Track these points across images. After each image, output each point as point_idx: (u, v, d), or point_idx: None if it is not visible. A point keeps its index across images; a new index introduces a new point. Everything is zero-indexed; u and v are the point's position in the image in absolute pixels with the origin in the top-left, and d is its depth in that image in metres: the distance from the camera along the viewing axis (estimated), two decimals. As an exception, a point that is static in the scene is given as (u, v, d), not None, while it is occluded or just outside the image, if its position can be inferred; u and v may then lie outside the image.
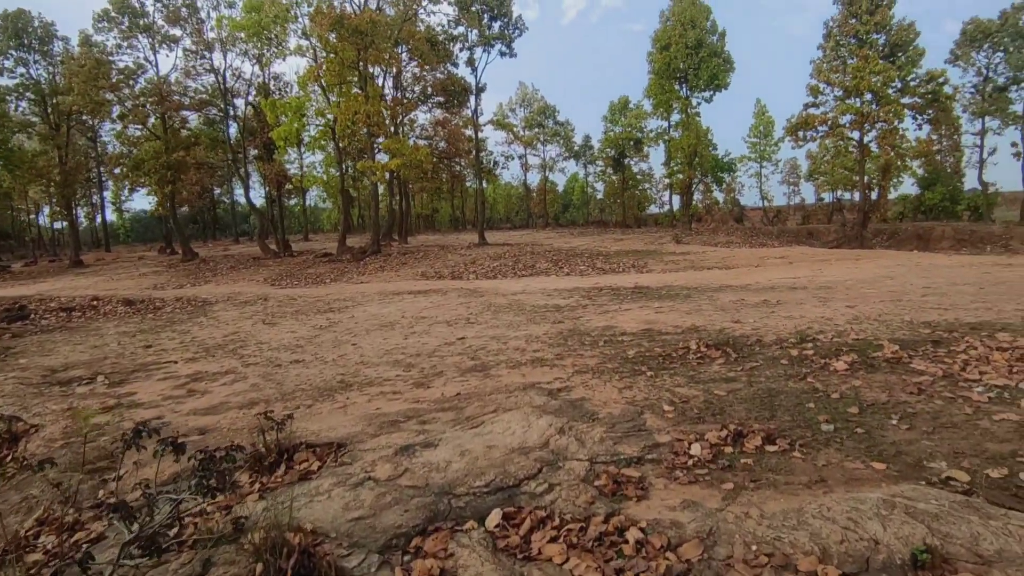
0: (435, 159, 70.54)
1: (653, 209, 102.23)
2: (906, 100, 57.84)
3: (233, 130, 64.61)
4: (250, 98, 63.17)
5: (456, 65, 64.10)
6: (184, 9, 56.63)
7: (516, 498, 5.52)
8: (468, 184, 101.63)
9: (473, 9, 57.68)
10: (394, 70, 57.90)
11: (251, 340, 16.57)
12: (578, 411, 7.84)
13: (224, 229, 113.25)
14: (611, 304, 18.95)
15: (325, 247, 60.71)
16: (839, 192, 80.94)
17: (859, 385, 8.09)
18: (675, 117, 71.51)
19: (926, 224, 60.49)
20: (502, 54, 60.65)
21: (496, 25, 59.32)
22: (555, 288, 25.24)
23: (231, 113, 62.98)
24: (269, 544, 4.46)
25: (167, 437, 5.21)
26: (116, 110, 59.14)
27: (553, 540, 4.75)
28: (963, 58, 67.14)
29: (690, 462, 6.00)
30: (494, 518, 5.14)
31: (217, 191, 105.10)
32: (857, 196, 67.32)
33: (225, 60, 60.01)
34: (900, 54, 57.13)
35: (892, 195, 70.62)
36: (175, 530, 5.17)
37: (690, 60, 64.42)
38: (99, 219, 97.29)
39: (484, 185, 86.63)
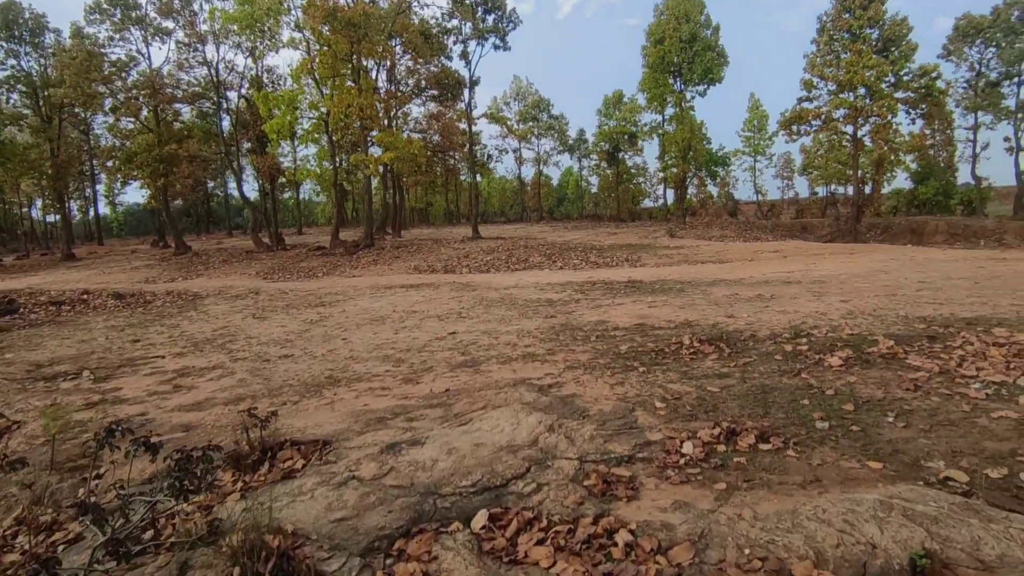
0: (429, 153, 70.47)
1: (647, 203, 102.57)
2: (899, 95, 58.04)
3: (226, 123, 64.51)
4: (243, 91, 62.92)
5: (450, 58, 63.97)
6: (177, 1, 56.39)
7: (503, 498, 5.37)
8: (462, 178, 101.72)
9: (467, 2, 57.48)
10: (388, 63, 57.75)
11: (240, 335, 16.44)
12: (568, 408, 7.70)
13: (218, 222, 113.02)
14: (604, 298, 18.86)
15: (318, 240, 60.58)
16: (833, 186, 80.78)
17: (854, 381, 7.96)
18: (669, 111, 71.62)
19: (919, 218, 60.50)
20: (496, 47, 60.48)
21: (490, 18, 59.16)
22: (548, 282, 25.17)
23: (224, 106, 62.81)
24: (247, 547, 4.33)
25: (140, 437, 5.05)
26: (108, 103, 58.97)
27: (540, 543, 4.61)
28: (956, 53, 67.17)
29: (682, 461, 5.86)
30: (480, 519, 5.00)
31: (211, 184, 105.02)
32: (851, 190, 67.43)
33: (218, 53, 59.71)
34: (893, 49, 57.26)
35: (885, 189, 70.84)
36: (152, 532, 5.03)
37: (684, 54, 64.43)
38: (92, 212, 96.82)
39: (478, 179, 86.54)
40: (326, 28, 44.20)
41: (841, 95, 56.90)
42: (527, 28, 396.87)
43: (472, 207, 67.52)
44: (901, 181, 74.68)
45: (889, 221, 61.53)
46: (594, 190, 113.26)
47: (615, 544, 4.47)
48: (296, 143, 69.38)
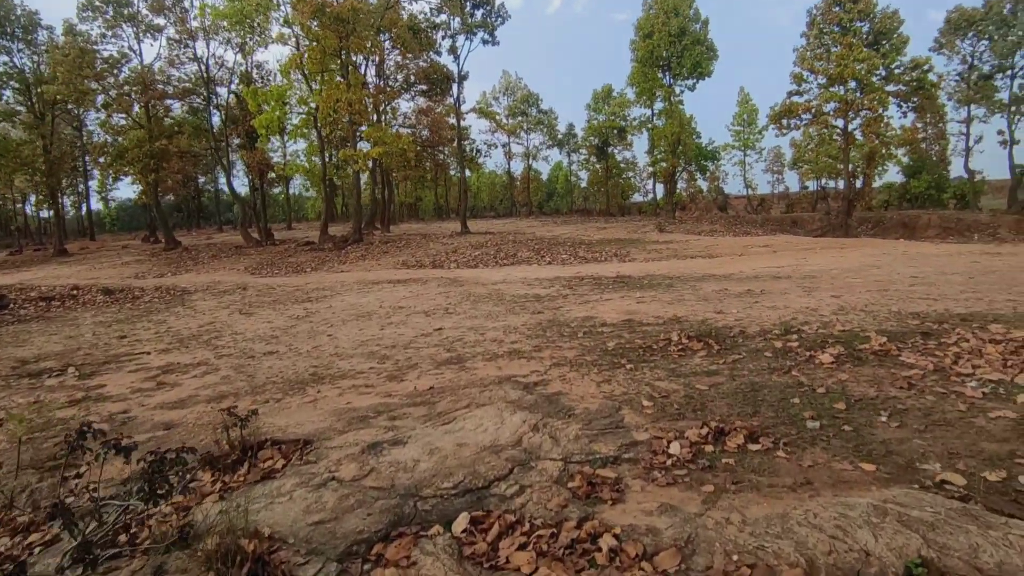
0: (418, 148, 70.34)
1: (637, 197, 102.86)
2: (891, 88, 58.01)
3: (216, 119, 64.37)
4: (233, 86, 62.83)
5: (439, 53, 63.75)
6: (168, -2, 56.21)
7: (485, 501, 5.24)
8: (452, 172, 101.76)
9: (455, -3, 57.24)
10: (377, 58, 57.64)
11: (226, 331, 16.34)
12: (554, 406, 7.57)
13: (208, 218, 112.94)
14: (592, 294, 18.74)
15: (308, 236, 60.59)
16: (823, 180, 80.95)
17: (846, 379, 7.83)
18: (658, 105, 71.60)
19: (912, 212, 60.56)
20: (485, 42, 60.20)
21: (479, 13, 58.92)
22: (536, 277, 25.05)
23: (214, 102, 62.65)
24: (222, 551, 4.21)
25: (111, 439, 4.90)
26: (100, 99, 58.80)
27: (522, 547, 4.49)
28: (948, 46, 67.21)
29: (669, 462, 5.73)
30: (461, 523, 4.88)
31: (202, 180, 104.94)
32: (841, 184, 67.35)
33: (208, 49, 60.20)
34: (884, 42, 57.17)
35: (877, 183, 70.71)
36: (129, 534, 4.88)
37: (673, 48, 64.31)
38: (84, 208, 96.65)
39: (467, 174, 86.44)
40: (315, 23, 44.08)
41: (831, 88, 56.75)
42: (516, 23, 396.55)
43: (461, 202, 67.47)
44: (893, 175, 74.90)
45: (881, 215, 61.60)
46: (583, 184, 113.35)
47: (599, 549, 4.35)
48: (285, 138, 69.25)
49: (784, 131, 61.70)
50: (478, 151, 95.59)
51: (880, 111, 55.59)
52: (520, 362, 10.24)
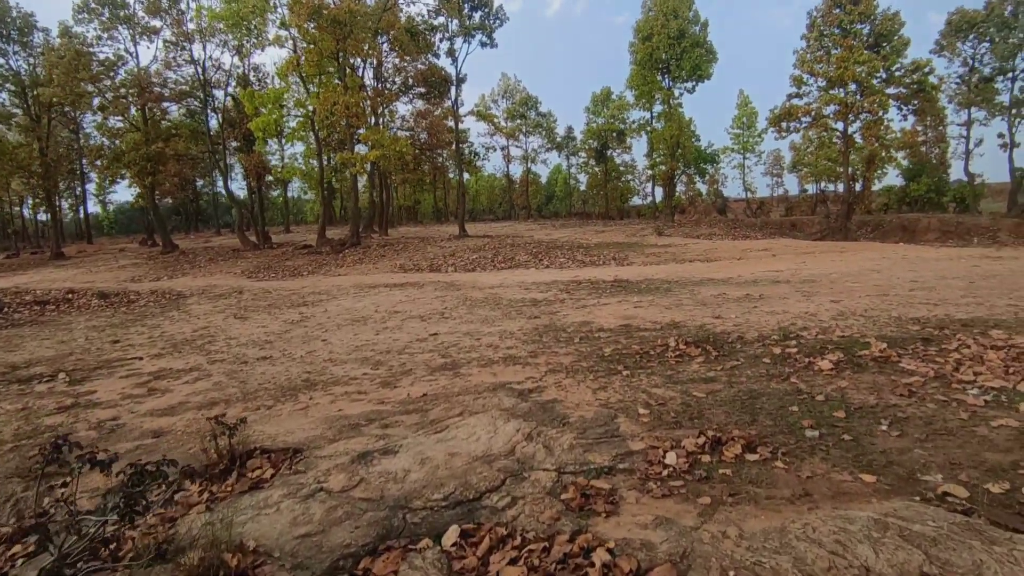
0: (417, 151, 70.26)
1: (636, 201, 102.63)
2: (891, 90, 57.71)
3: (214, 122, 64.16)
4: (230, 89, 62.68)
5: (437, 56, 63.60)
6: (164, 0, 55.97)
7: (476, 513, 5.12)
8: (450, 176, 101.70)
9: (453, -1, 57.14)
10: (375, 61, 57.54)
11: (220, 335, 16.23)
12: (548, 414, 7.45)
13: (207, 221, 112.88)
14: (590, 298, 18.66)
15: (306, 239, 60.38)
16: (823, 184, 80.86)
17: (845, 386, 7.72)
18: (657, 108, 71.39)
19: (911, 216, 60.39)
20: (483, 44, 60.10)
21: (477, 15, 58.82)
22: (533, 281, 24.96)
23: (212, 104, 62.51)
24: (205, 566, 4.10)
25: (86, 453, 4.77)
26: (96, 102, 58.60)
27: (513, 562, 4.37)
28: (948, 48, 66.98)
29: (664, 472, 5.62)
30: (451, 536, 4.75)
31: (200, 183, 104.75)
32: (841, 187, 67.24)
33: (205, 51, 59.66)
34: (885, 44, 56.93)
35: (876, 187, 70.62)
36: (110, 548, 4.75)
37: (672, 50, 64.11)
38: (82, 211, 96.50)
39: (466, 177, 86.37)
40: (311, 25, 44.00)
41: (831, 91, 56.54)
42: (515, 25, 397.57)
43: (459, 205, 67.32)
44: (892, 178, 74.84)
45: (880, 219, 61.49)
46: (582, 188, 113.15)
47: (592, 564, 4.23)
48: (283, 141, 69.15)
49: (784, 134, 61.57)
50: (476, 154, 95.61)
51: (880, 114, 55.42)
52: (515, 368, 10.13)
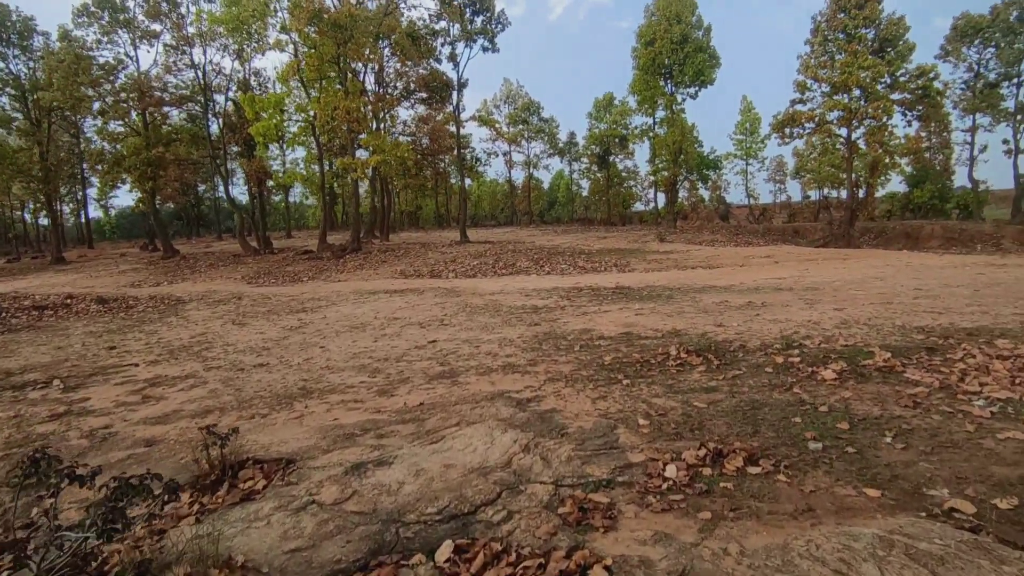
0: (418, 156, 70.22)
1: (638, 207, 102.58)
2: (895, 96, 57.30)
3: (214, 126, 64.04)
4: (231, 94, 62.58)
5: (439, 61, 63.52)
6: (164, 3, 55.94)
7: (471, 527, 4.98)
8: (452, 181, 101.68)
9: (455, 3, 57.06)
10: (376, 66, 57.50)
11: (218, 342, 16.13)
12: (547, 425, 7.32)
13: (208, 226, 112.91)
14: (590, 305, 18.53)
15: (307, 244, 60.35)
16: (826, 190, 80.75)
17: (849, 397, 7.59)
18: (660, 114, 71.29)
19: (915, 222, 60.20)
20: (485, 49, 60.07)
21: (478, 20, 58.80)
22: (534, 288, 24.84)
23: (213, 109, 62.39)
24: (191, 582, 3.96)
25: (64, 467, 4.63)
26: (97, 106, 58.51)
27: (507, 580, 4.22)
28: (953, 54, 66.74)
29: (664, 486, 5.48)
30: (444, 551, 4.60)
31: (201, 188, 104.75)
32: (844, 194, 67.09)
33: (205, 55, 59.68)
34: (889, 49, 56.57)
35: (879, 193, 70.56)
36: (96, 562, 4.62)
37: (675, 55, 64.09)
38: (83, 215, 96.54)
39: (467, 182, 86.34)
40: (312, 30, 43.94)
41: (835, 97, 56.27)
42: (518, 31, 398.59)
43: (460, 211, 67.22)
44: (896, 185, 74.70)
45: (883, 225, 61.28)
46: (585, 194, 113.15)
47: (589, 583, 4.08)
48: (284, 146, 69.14)
49: (787, 140, 61.27)
50: (478, 159, 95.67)
51: (884, 120, 55.14)
52: (514, 377, 10.01)
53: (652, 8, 67.01)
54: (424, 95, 68.86)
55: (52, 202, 69.69)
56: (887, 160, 58.39)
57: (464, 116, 66.48)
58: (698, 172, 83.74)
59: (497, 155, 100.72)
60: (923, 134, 75.23)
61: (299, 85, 49.45)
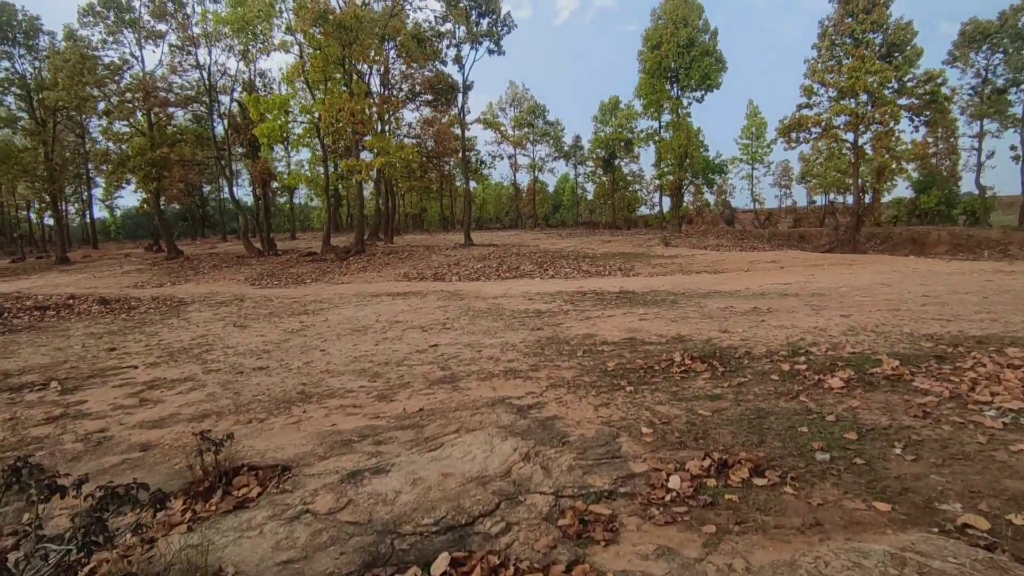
0: (423, 158, 70.21)
1: (643, 210, 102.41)
2: (903, 101, 57.10)
3: (219, 128, 64.00)
4: (236, 95, 62.62)
5: (444, 63, 63.62)
6: (170, 4, 55.96)
7: (468, 539, 4.84)
8: (457, 184, 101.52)
9: (461, 5, 57.07)
10: (381, 67, 57.50)
11: (218, 344, 16.05)
12: (548, 432, 7.18)
13: (213, 227, 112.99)
14: (594, 310, 18.39)
15: (311, 246, 60.36)
16: (832, 195, 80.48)
17: (857, 406, 7.43)
18: (666, 117, 71.21)
19: (921, 228, 59.95)
20: (490, 51, 60.06)
21: (484, 22, 58.76)
22: (538, 292, 24.72)
23: (218, 110, 62.36)
24: (178, 595, 3.82)
25: (44, 478, 4.50)
26: (102, 106, 58.52)
27: (505, 594, 4.09)
28: (961, 59, 66.51)
29: (668, 497, 5.33)
30: (440, 564, 4.46)
31: (206, 189, 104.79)
32: (850, 199, 66.89)
33: (210, 56, 59.50)
34: (897, 54, 56.38)
35: (885, 198, 70.33)
36: (84, 572, 4.50)
37: (681, 59, 63.98)
38: (88, 216, 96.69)
39: (472, 185, 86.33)
40: (317, 31, 43.93)
41: (842, 101, 56.06)
42: (524, 34, 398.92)
43: (465, 214, 67.15)
44: (902, 190, 74.49)
45: (889, 231, 61.05)
46: (590, 197, 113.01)
47: (588, 600, 3.95)
48: (289, 148, 69.15)
49: (793, 145, 61.09)
50: (483, 162, 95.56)
51: (891, 125, 54.93)
52: (516, 382, 9.88)
53: (659, 12, 66.95)
54: (429, 97, 68.95)
55: (57, 202, 69.74)
56: (894, 165, 58.21)
57: (469, 119, 66.59)
58: (703, 176, 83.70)
59: (502, 158, 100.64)
60: (930, 140, 75.06)
61: (304, 86, 49.44)
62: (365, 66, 51.35)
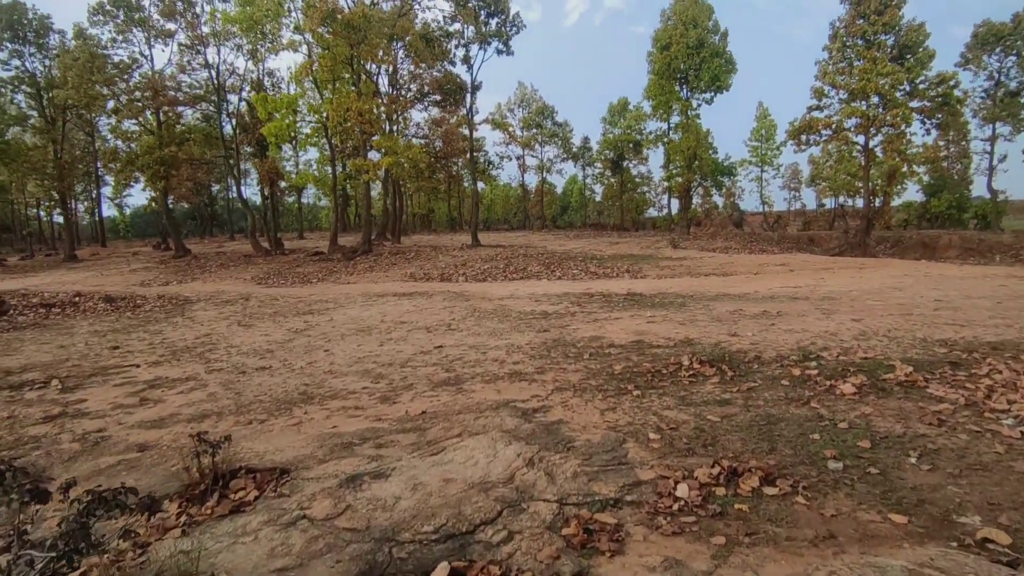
0: (432, 159, 70.22)
1: (652, 212, 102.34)
2: (914, 104, 56.63)
3: (228, 127, 64.02)
4: (244, 94, 62.62)
5: (453, 63, 63.56)
6: (179, 3, 56.06)
7: (469, 548, 4.69)
8: (465, 184, 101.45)
9: (470, 5, 56.96)
10: (390, 67, 57.48)
11: (222, 343, 15.99)
12: (553, 437, 7.01)
13: (222, 226, 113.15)
14: (601, 312, 18.22)
15: (318, 246, 60.36)
16: (842, 198, 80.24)
17: (870, 413, 7.25)
18: (675, 119, 71.00)
19: (932, 232, 59.69)
20: (499, 52, 59.96)
21: (493, 22, 58.68)
22: (544, 293, 24.56)
23: (227, 109, 62.42)
24: (169, 603, 3.69)
25: (27, 482, 4.34)
26: (111, 104, 58.63)
27: (505, 608, 3.94)
28: (974, 61, 66.11)
29: (675, 506, 5.16)
30: (439, 574, 4.29)
31: (215, 188, 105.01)
32: (859, 202, 66.65)
33: (219, 55, 59.69)
34: (909, 56, 55.95)
35: (896, 202, 70.01)
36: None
37: (691, 60, 63.75)
38: (97, 214, 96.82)
39: (480, 186, 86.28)
40: (325, 30, 43.89)
41: (853, 104, 55.73)
42: (534, 35, 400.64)
43: (472, 214, 67.06)
44: (912, 194, 74.26)
45: (900, 235, 60.78)
46: (598, 199, 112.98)
47: (593, 614, 3.80)
48: (297, 147, 69.17)
49: (803, 147, 60.77)
50: (491, 163, 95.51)
51: (903, 127, 54.62)
52: (521, 385, 9.74)
53: (668, 12, 66.77)
54: (438, 97, 68.97)
55: (66, 200, 70.03)
56: (905, 168, 57.80)
57: (478, 119, 66.59)
58: (712, 178, 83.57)
59: (510, 159, 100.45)
60: (941, 143, 74.64)
61: (312, 86, 49.55)
62: (373, 66, 51.33)
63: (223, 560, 4.63)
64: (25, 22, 60.82)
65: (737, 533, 4.67)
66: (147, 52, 58.84)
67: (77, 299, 26.87)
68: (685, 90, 67.26)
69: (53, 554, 3.96)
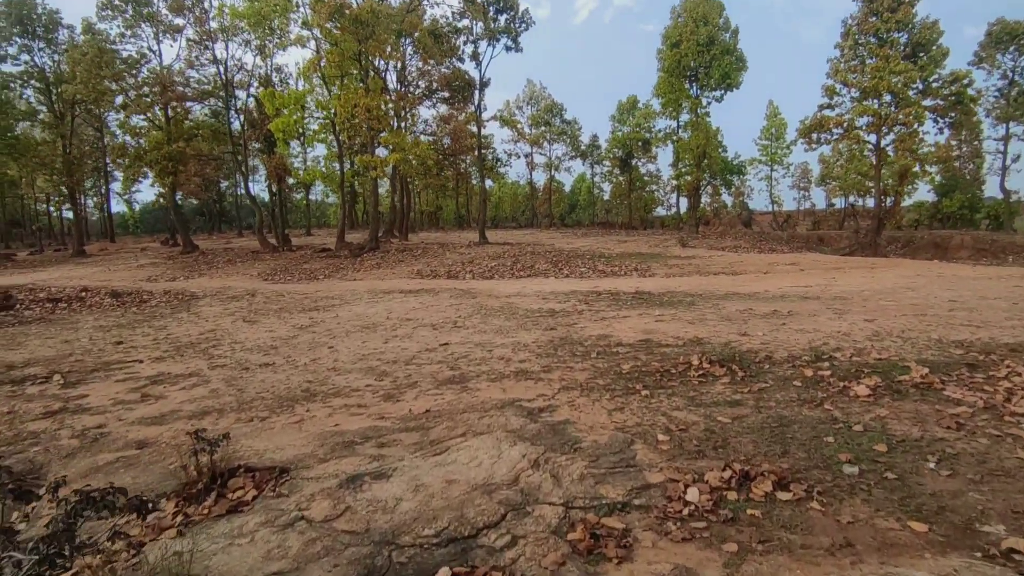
0: (439, 156, 70.17)
1: (660, 211, 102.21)
2: (927, 102, 56.18)
3: (236, 123, 64.00)
4: (252, 90, 62.67)
5: (461, 60, 63.46)
6: (188, -2, 56.01)
7: (471, 553, 4.54)
8: (473, 182, 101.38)
9: (478, 1, 56.82)
10: (398, 64, 57.45)
11: (226, 339, 15.92)
12: (559, 438, 6.86)
13: (230, 222, 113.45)
14: (609, 310, 18.07)
15: (326, 242, 60.44)
16: (852, 198, 79.90)
17: (885, 415, 7.06)
18: (684, 117, 71.00)
19: (943, 232, 59.48)
20: (508, 48, 59.79)
21: (502, 18, 58.53)
22: (552, 291, 24.44)
23: (235, 104, 62.39)
24: (158, 609, 3.55)
25: (9, 483, 4.19)
26: (119, 99, 58.72)
27: (508, 616, 3.79)
28: (988, 60, 65.73)
29: (685, 511, 5.00)
30: (439, 581, 4.12)
31: (223, 184, 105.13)
32: (870, 202, 66.34)
33: (227, 50, 59.48)
34: (922, 54, 55.48)
35: (906, 202, 69.66)
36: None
37: (701, 58, 63.51)
38: (106, 209, 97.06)
39: (488, 183, 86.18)
40: (333, 26, 43.84)
41: (865, 102, 55.38)
42: (543, 33, 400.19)
43: (480, 212, 66.99)
44: (923, 193, 73.91)
45: (911, 235, 60.58)
46: (606, 197, 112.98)
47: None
48: (304, 143, 69.13)
49: (813, 146, 60.49)
50: (499, 160, 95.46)
51: (915, 126, 54.27)
52: (527, 384, 9.59)
53: (679, 9, 66.55)
54: (446, 94, 68.95)
55: (75, 195, 70.24)
56: (916, 168, 57.40)
57: (486, 116, 66.69)
58: (721, 177, 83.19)
59: (519, 156, 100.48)
60: (954, 142, 74.31)
61: (320, 82, 49.43)
62: (381, 62, 51.35)
63: (217, 562, 4.51)
64: (34, 17, 60.98)
65: (750, 540, 4.51)
66: (155, 47, 58.94)
67: (84, 294, 27.02)
68: (695, 88, 67.09)
69: (34, 557, 3.81)
